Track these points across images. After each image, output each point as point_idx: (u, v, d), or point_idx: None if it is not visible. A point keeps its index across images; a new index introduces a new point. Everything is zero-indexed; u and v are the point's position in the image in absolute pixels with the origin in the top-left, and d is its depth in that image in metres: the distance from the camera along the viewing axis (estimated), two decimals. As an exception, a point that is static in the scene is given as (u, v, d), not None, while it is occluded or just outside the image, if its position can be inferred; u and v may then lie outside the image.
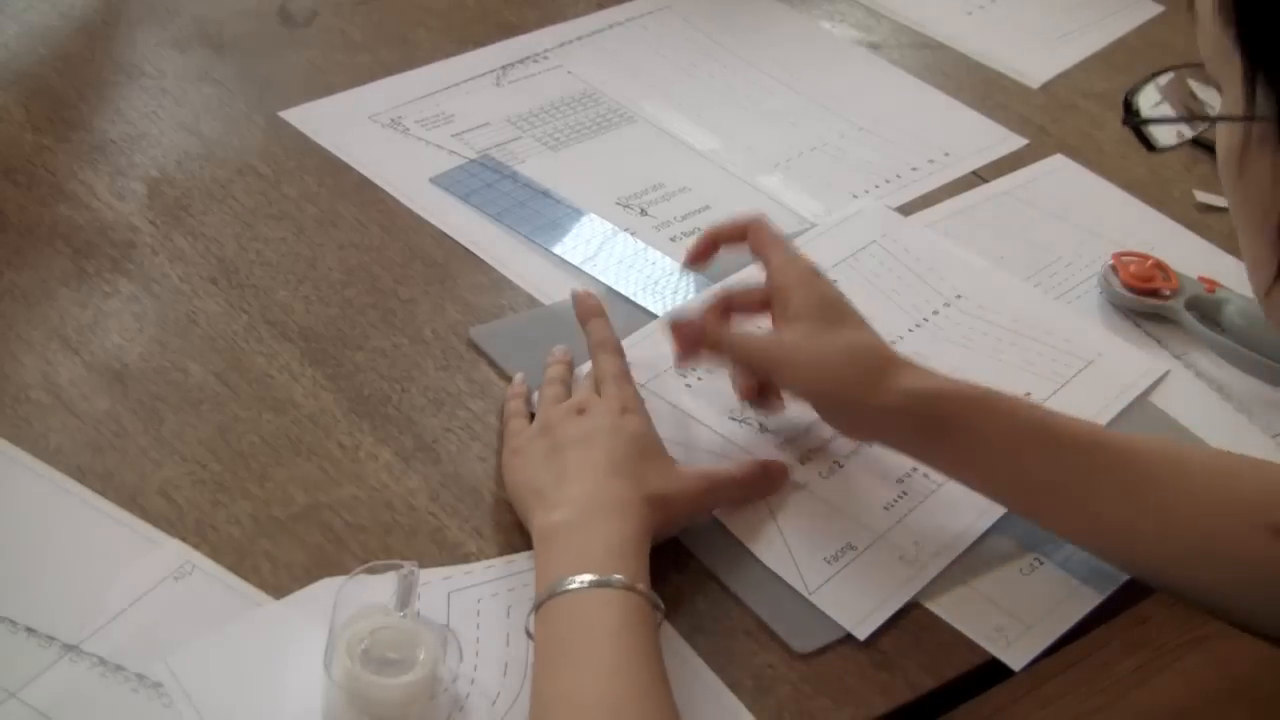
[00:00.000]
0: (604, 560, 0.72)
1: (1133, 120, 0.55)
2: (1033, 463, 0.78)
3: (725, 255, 1.03)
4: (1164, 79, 0.57)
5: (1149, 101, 0.59)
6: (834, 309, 0.84)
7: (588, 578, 0.71)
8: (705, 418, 0.89)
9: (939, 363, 0.95)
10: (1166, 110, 0.57)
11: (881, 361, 0.81)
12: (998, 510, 0.85)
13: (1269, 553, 0.74)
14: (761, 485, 0.84)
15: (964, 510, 0.85)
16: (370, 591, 0.73)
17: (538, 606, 0.72)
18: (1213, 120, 0.53)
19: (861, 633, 0.78)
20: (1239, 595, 0.76)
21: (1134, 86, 0.57)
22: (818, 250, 1.04)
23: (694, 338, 0.86)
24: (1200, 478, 0.78)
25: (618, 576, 0.71)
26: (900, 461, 0.87)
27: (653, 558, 0.76)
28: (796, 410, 0.89)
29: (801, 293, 0.84)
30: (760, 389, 0.88)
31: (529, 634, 0.73)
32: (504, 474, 0.83)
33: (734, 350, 0.86)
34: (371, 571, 0.74)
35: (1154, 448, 0.80)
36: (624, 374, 0.86)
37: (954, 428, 0.79)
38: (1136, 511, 0.77)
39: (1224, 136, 0.56)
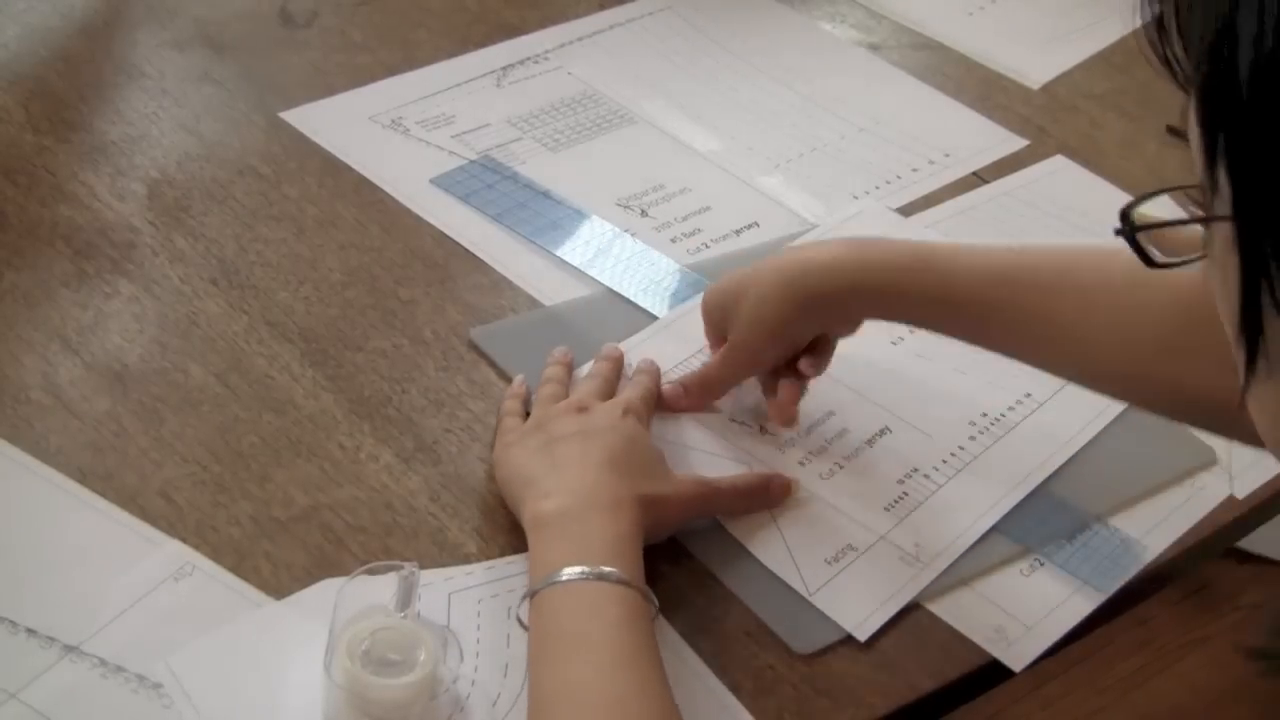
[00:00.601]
0: (600, 554, 0.72)
1: (1127, 230, 0.54)
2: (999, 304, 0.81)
3: (726, 259, 1.03)
4: (1165, 195, 0.57)
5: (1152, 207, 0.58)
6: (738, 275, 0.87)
7: (584, 569, 0.71)
8: (706, 420, 0.89)
9: (944, 364, 0.95)
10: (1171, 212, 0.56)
11: (816, 251, 0.86)
12: (999, 511, 0.85)
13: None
14: (760, 499, 0.84)
15: (965, 510, 0.85)
16: (371, 592, 0.73)
17: (532, 594, 0.72)
18: (1188, 222, 0.51)
19: (862, 634, 0.78)
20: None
21: (1134, 200, 0.56)
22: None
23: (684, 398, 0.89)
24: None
25: (614, 571, 0.71)
26: (901, 463, 0.87)
27: (652, 557, 0.76)
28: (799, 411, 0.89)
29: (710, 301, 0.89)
30: (776, 388, 0.89)
31: (521, 623, 0.73)
32: (496, 468, 0.83)
33: (724, 374, 0.88)
34: (372, 572, 0.74)
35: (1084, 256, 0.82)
36: (647, 385, 0.88)
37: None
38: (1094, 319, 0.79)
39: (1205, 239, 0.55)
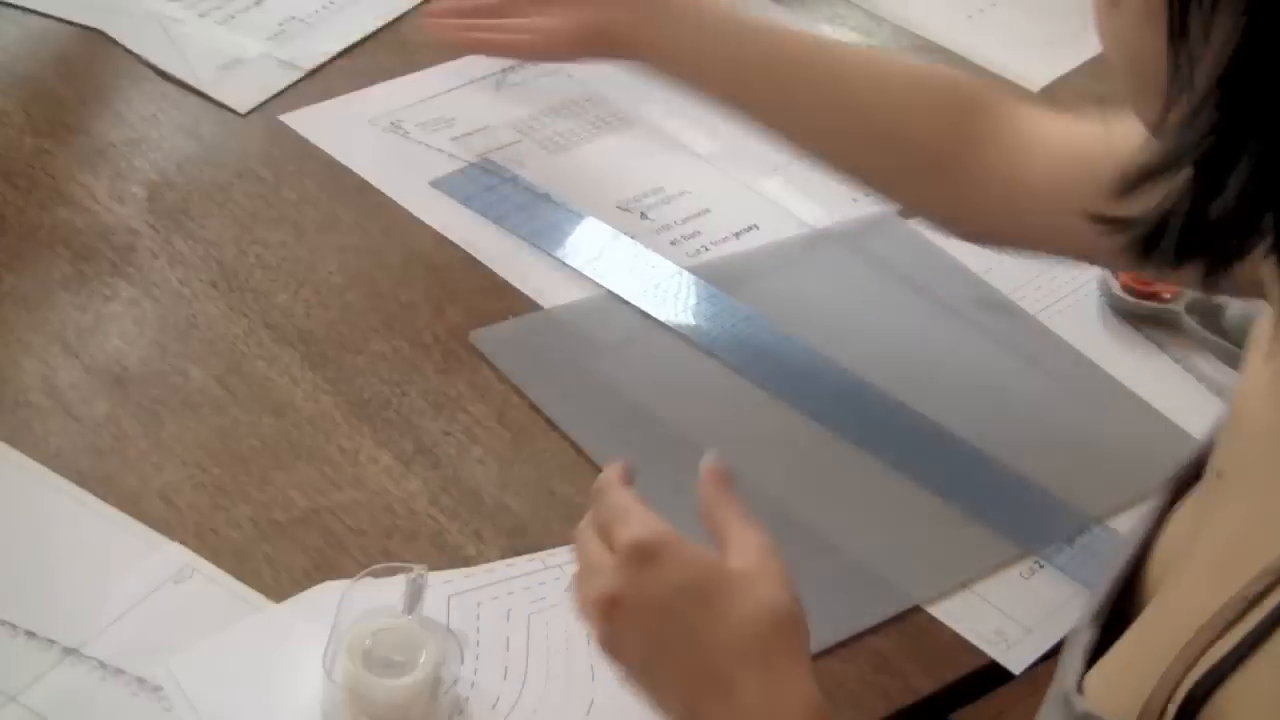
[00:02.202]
0: None
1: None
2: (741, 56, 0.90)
3: (726, 261, 1.02)
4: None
5: None
6: None
7: None
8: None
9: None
10: None
11: None
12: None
13: (948, 132, 0.84)
14: None
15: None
16: (374, 595, 0.73)
17: None
18: None
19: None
20: (922, 180, 0.87)
21: None
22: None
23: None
24: (896, 75, 0.89)
25: None
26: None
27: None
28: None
29: None
30: None
31: None
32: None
33: None
34: (377, 575, 0.74)
35: (855, 51, 0.91)
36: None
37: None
38: (830, 101, 0.88)
39: None
